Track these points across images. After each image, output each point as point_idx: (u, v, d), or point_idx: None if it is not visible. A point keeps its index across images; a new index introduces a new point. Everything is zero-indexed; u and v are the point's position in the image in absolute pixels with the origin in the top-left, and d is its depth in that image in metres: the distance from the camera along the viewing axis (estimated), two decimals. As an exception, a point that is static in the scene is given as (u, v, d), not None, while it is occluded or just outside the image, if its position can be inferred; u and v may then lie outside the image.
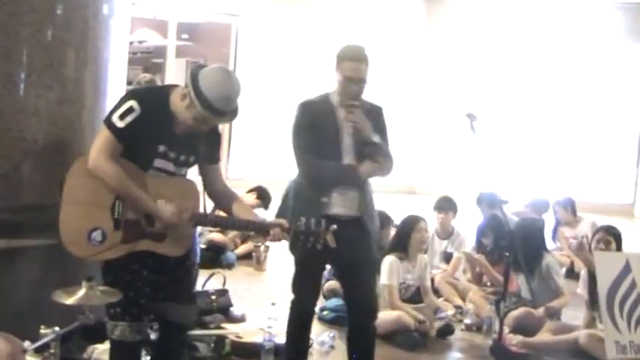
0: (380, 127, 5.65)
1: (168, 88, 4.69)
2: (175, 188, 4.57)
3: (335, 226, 4.76)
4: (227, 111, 4.48)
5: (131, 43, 14.98)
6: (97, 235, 4.41)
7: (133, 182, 4.42)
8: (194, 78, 4.40)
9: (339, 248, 5.37)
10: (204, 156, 4.74)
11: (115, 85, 6.28)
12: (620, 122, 17.72)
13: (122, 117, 4.43)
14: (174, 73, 16.21)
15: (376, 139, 5.48)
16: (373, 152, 5.52)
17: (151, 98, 4.63)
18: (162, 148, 4.54)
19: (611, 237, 7.60)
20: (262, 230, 4.71)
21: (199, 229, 7.60)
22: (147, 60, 15.50)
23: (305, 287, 5.81)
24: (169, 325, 4.87)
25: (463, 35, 18.35)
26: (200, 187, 4.75)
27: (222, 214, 5.02)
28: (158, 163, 4.55)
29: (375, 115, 5.65)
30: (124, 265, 4.53)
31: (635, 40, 17.47)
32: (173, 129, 4.56)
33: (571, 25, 17.68)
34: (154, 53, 16.50)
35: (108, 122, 4.47)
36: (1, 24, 5.37)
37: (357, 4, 17.45)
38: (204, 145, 4.69)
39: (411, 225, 7.77)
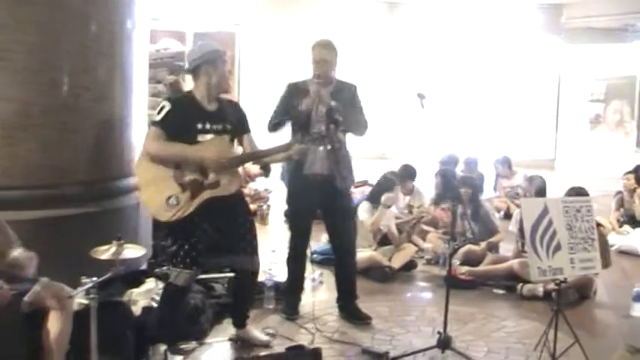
0: (353, 100, 5.80)
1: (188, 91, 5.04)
2: (215, 143, 4.73)
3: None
4: (200, 55, 4.78)
5: (157, 50, 14.88)
6: (173, 200, 4.63)
7: (179, 147, 4.65)
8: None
9: (317, 199, 5.77)
10: (236, 125, 4.88)
11: (139, 84, 6.20)
12: (542, 97, 17.84)
13: (158, 114, 4.67)
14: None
15: (333, 103, 5.54)
16: (332, 112, 5.54)
17: (177, 98, 5.09)
18: (200, 125, 4.70)
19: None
20: (284, 149, 4.92)
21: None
22: (170, 63, 15.32)
23: (297, 227, 6.01)
24: (243, 273, 5.12)
25: (418, 32, 18.26)
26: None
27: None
28: (200, 137, 4.70)
29: (348, 90, 5.79)
30: (183, 226, 4.71)
31: (552, 33, 17.52)
32: (205, 109, 4.77)
33: (502, 22, 17.62)
34: (176, 58, 16.28)
35: (151, 122, 4.78)
36: (46, 40, 5.27)
37: (335, 10, 17.35)
38: (232, 116, 4.88)
39: (391, 185, 7.70)
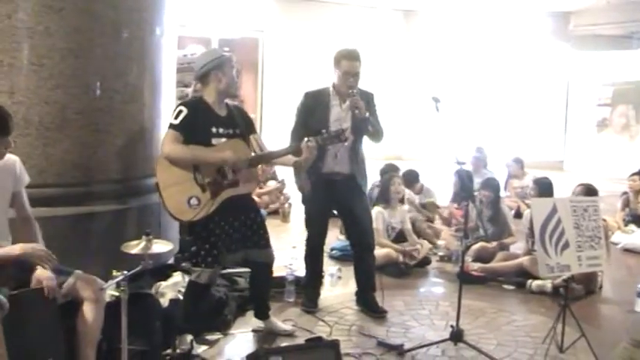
0: (371, 107, 5.71)
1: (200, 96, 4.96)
2: (231, 145, 4.72)
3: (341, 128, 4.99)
4: (208, 61, 4.77)
5: (185, 55, 14.87)
6: (194, 201, 4.59)
7: (198, 149, 4.62)
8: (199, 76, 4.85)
9: (336, 197, 5.70)
10: (244, 128, 4.87)
11: (167, 88, 6.23)
12: (551, 101, 17.81)
13: (176, 118, 4.63)
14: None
15: (367, 115, 5.52)
16: (365, 124, 5.56)
17: (192, 102, 4.88)
18: (214, 129, 4.69)
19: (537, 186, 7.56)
20: (296, 150, 4.81)
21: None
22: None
23: (314, 226, 5.92)
24: (257, 265, 5.09)
25: (432, 39, 18.30)
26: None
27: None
28: (214, 140, 4.68)
29: (367, 98, 5.67)
30: (205, 224, 4.68)
31: (561, 40, 17.50)
32: (217, 114, 4.76)
33: (513, 28, 17.66)
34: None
35: (169, 125, 4.68)
36: (80, 47, 5.29)
37: (354, 18, 17.42)
38: (240, 120, 4.87)
39: (389, 181, 7.74)
